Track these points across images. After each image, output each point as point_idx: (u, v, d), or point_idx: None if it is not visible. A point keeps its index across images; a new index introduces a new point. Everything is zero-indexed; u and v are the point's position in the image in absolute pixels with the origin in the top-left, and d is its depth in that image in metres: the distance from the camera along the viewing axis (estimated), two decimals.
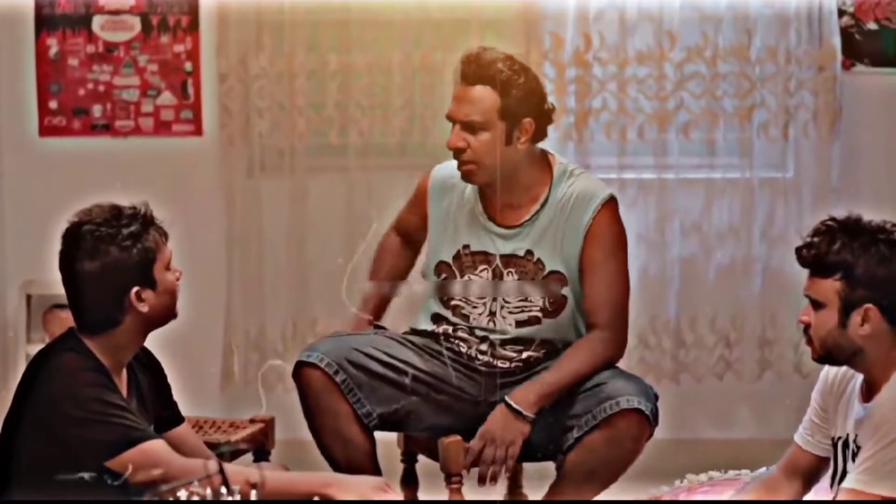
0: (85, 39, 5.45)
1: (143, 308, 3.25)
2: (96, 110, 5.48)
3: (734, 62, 5.43)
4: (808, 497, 3.41)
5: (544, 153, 3.85)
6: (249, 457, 4.01)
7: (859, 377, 3.19)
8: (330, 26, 5.40)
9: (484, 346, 3.84)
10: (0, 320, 5.55)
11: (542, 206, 3.79)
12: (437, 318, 3.90)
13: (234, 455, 3.91)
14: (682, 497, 3.99)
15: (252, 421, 4.10)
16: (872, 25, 5.48)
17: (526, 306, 3.81)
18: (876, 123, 5.53)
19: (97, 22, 5.45)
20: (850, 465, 3.14)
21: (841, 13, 5.42)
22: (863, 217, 3.14)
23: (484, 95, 3.70)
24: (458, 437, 3.76)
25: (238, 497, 3.03)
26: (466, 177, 3.76)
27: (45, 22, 5.44)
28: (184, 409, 3.96)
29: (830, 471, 3.25)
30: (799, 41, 5.39)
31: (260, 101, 5.42)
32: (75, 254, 3.24)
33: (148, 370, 3.43)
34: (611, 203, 3.80)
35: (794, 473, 3.34)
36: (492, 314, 3.82)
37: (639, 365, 5.47)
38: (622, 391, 3.67)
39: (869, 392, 3.14)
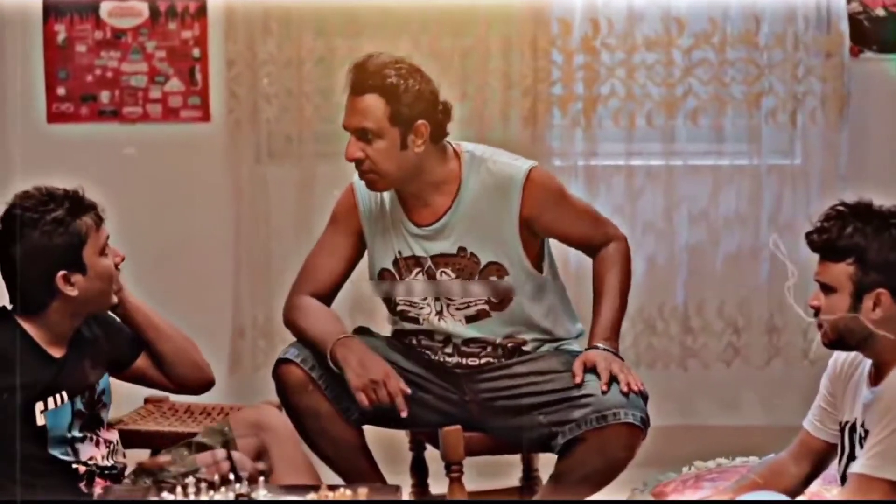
0: (93, 25, 5.44)
1: (72, 292, 3.34)
2: (104, 97, 5.47)
3: (742, 48, 5.42)
4: (816, 482, 3.42)
5: (449, 146, 3.78)
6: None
7: (867, 362, 3.19)
8: (338, 12, 5.39)
9: (449, 349, 3.81)
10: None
11: (457, 198, 3.73)
12: (398, 332, 3.88)
13: None
14: (689, 483, 3.99)
15: None
16: (880, 12, 5.47)
17: (471, 301, 3.77)
18: (884, 110, 5.52)
19: (105, 8, 5.44)
20: (857, 449, 3.14)
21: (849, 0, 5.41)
22: (873, 202, 3.15)
23: (372, 103, 3.67)
24: (458, 427, 3.73)
25: (246, 483, 3.04)
26: (370, 185, 3.74)
27: (52, 8, 5.43)
28: (192, 396, 3.97)
29: (837, 455, 3.26)
30: (807, 27, 5.38)
31: (268, 86, 5.42)
32: (4, 237, 3.35)
33: (98, 325, 3.55)
34: (533, 171, 3.73)
35: (802, 458, 3.35)
36: (439, 313, 3.79)
37: (647, 351, 5.47)
38: (609, 403, 3.60)
39: (877, 376, 3.14)
